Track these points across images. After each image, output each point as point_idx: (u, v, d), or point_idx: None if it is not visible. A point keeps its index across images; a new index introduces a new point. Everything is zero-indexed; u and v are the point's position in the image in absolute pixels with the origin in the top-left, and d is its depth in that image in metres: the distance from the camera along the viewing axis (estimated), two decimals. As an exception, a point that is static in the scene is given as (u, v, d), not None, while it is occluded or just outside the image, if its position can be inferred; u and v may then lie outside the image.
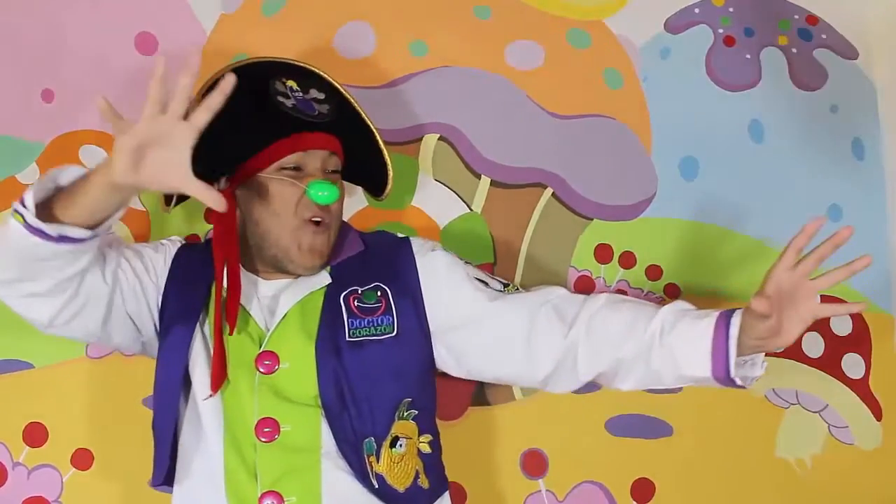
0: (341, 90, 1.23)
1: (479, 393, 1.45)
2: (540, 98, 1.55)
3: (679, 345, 1.09)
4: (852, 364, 1.63)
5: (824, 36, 1.72)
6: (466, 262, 1.25)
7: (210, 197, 0.97)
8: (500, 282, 1.25)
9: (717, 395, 1.56)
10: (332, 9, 1.48)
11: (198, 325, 1.14)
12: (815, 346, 1.62)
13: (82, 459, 1.32)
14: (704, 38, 1.65)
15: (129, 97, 1.40)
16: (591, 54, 1.59)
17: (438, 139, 1.50)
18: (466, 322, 1.19)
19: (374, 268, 1.20)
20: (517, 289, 1.24)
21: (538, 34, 1.57)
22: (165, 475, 1.14)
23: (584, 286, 1.53)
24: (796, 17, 1.71)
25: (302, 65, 1.22)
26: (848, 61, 1.73)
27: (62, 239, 0.99)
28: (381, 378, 1.13)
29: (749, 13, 1.68)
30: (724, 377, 1.07)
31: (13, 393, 1.31)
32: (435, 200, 1.49)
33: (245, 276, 1.18)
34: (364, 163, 1.29)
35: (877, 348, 1.65)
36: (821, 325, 1.62)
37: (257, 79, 1.16)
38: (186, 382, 1.14)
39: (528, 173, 1.53)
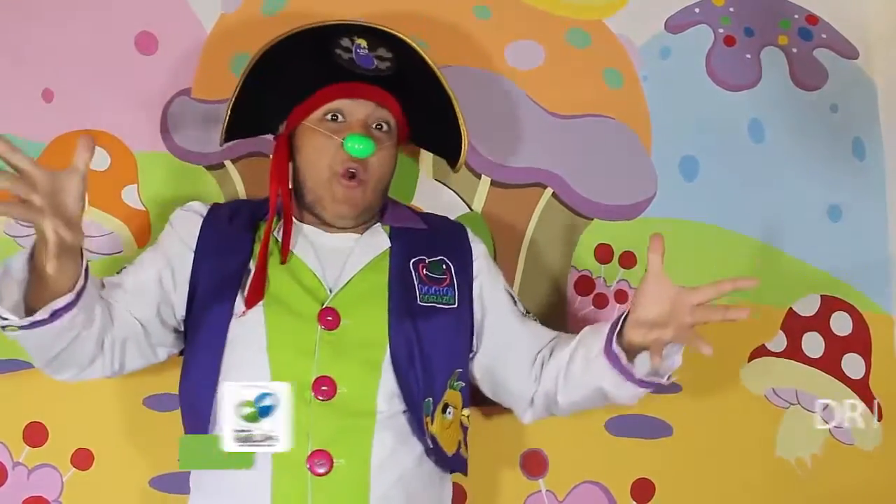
0: (419, 51, 1.25)
1: (480, 392, 1.45)
2: (540, 98, 1.55)
3: (585, 367, 1.17)
4: (852, 364, 1.63)
5: (824, 36, 1.72)
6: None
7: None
8: (522, 305, 1.31)
9: (717, 394, 1.56)
10: (332, 9, 1.48)
11: (239, 292, 1.15)
12: (815, 346, 1.62)
13: (82, 459, 1.32)
14: (704, 38, 1.65)
15: (130, 97, 1.41)
16: (591, 54, 1.59)
17: (438, 140, 1.50)
18: (495, 329, 1.26)
19: (438, 243, 1.25)
20: (534, 318, 1.31)
21: (538, 34, 1.57)
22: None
23: (584, 286, 1.53)
24: (796, 16, 1.71)
25: (382, 28, 1.24)
26: (848, 61, 1.72)
27: (55, 315, 0.99)
28: (444, 344, 1.18)
29: (749, 13, 1.68)
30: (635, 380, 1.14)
31: (13, 393, 1.31)
32: (435, 200, 1.49)
33: (301, 229, 1.21)
34: (440, 131, 1.32)
35: (877, 348, 1.65)
36: (821, 326, 1.62)
37: (328, 35, 1.21)
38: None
39: (528, 173, 1.53)
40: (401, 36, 1.24)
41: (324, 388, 1.10)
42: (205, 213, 1.22)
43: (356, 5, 1.48)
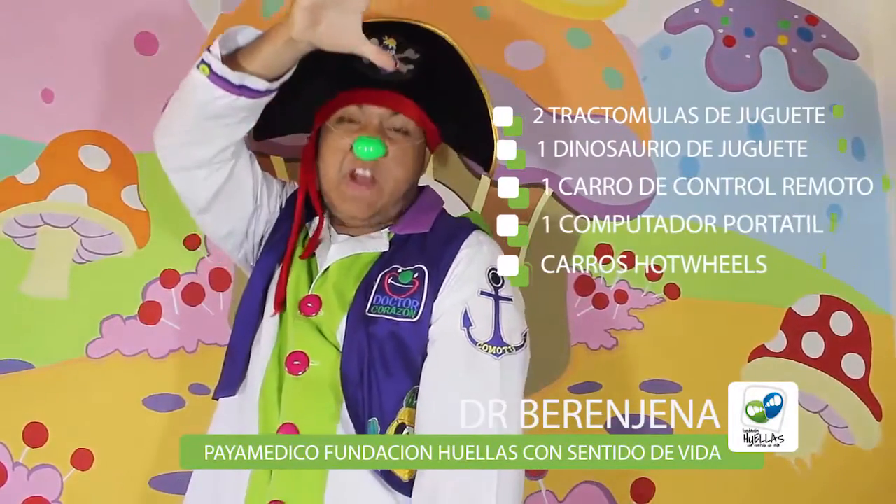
0: (453, 45, 1.23)
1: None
2: (540, 98, 1.55)
3: None
4: (852, 364, 1.63)
5: (824, 36, 1.72)
6: (487, 294, 1.13)
7: (382, 59, 1.05)
8: (498, 333, 1.10)
9: (717, 394, 1.56)
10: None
11: (271, 290, 1.18)
12: (815, 346, 1.62)
13: (82, 459, 1.32)
14: (704, 38, 1.65)
15: (130, 97, 1.41)
16: (591, 54, 1.59)
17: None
18: (429, 351, 1.11)
19: (426, 249, 1.17)
20: (500, 353, 1.09)
21: (538, 34, 1.57)
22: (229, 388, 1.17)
23: (584, 286, 1.53)
24: (796, 17, 1.71)
25: (416, 23, 1.22)
26: (848, 61, 1.73)
27: (242, 89, 1.06)
28: (395, 358, 1.10)
29: (749, 13, 1.68)
30: None
31: (13, 393, 1.31)
32: (435, 200, 1.49)
33: (329, 230, 1.23)
34: (473, 134, 1.29)
35: (877, 348, 1.65)
36: (821, 326, 1.63)
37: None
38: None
39: (528, 173, 1.53)
40: (438, 31, 1.21)
41: (295, 362, 1.11)
42: (289, 193, 1.28)
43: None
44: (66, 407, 1.32)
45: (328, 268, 1.17)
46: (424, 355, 1.11)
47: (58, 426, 1.32)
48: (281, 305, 1.15)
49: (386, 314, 1.11)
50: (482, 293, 1.12)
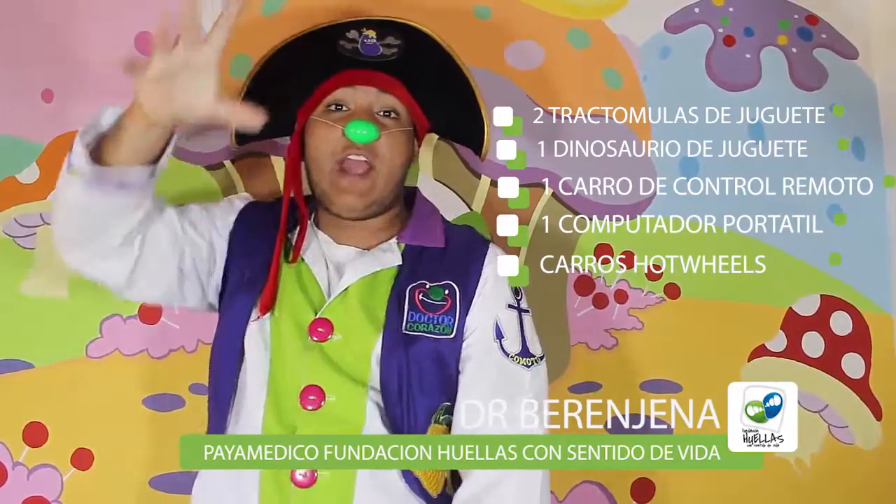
0: (432, 35, 1.23)
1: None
2: (540, 98, 1.55)
3: None
4: (852, 364, 1.63)
5: (824, 36, 1.72)
6: (512, 307, 1.18)
7: (244, 115, 0.95)
8: (524, 345, 1.17)
9: (717, 394, 1.56)
10: (331, 8, 1.48)
11: (258, 296, 1.13)
12: (815, 346, 1.62)
13: (82, 459, 1.32)
14: (704, 38, 1.65)
15: (130, 97, 1.40)
16: (591, 54, 1.59)
17: (438, 139, 1.49)
18: (463, 364, 1.15)
19: (448, 265, 1.17)
20: (530, 363, 1.16)
21: (538, 34, 1.57)
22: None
23: (584, 286, 1.53)
24: (796, 16, 1.71)
25: (394, 19, 1.22)
26: (848, 61, 1.72)
27: (123, 185, 0.99)
28: (429, 376, 1.11)
29: (749, 13, 1.68)
30: None
31: (13, 393, 1.31)
32: (435, 200, 1.48)
33: (315, 235, 1.19)
34: (461, 120, 1.28)
35: (877, 348, 1.65)
36: (821, 326, 1.63)
37: (336, 30, 1.19)
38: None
39: (528, 173, 1.53)
40: (414, 24, 1.22)
41: (311, 397, 1.08)
42: (241, 208, 1.22)
43: (355, 5, 1.47)
44: (66, 407, 1.32)
45: (347, 288, 1.13)
46: (458, 371, 1.13)
47: (58, 426, 1.32)
48: (268, 309, 1.12)
49: (424, 332, 1.11)
50: (509, 306, 1.17)
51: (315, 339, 1.10)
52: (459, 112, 1.29)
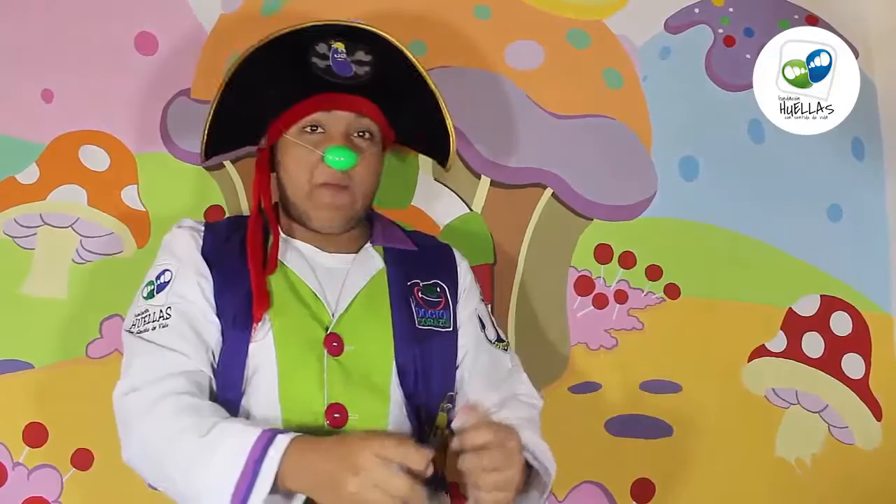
0: (399, 47, 1.23)
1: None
2: (540, 98, 1.55)
3: None
4: (852, 364, 1.63)
5: (824, 36, 1.72)
6: (482, 300, 1.28)
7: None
8: (497, 331, 1.25)
9: (717, 394, 1.57)
10: (331, 9, 1.48)
11: (251, 331, 1.10)
12: (815, 346, 1.62)
13: (82, 459, 1.32)
14: (704, 38, 1.65)
15: (130, 97, 1.41)
16: (591, 54, 1.59)
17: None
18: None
19: (430, 265, 1.23)
20: (506, 347, 1.24)
21: (538, 34, 1.57)
22: None
23: (584, 286, 1.53)
24: (796, 17, 1.71)
25: (357, 25, 1.22)
26: (848, 61, 1.73)
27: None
28: (440, 367, 1.16)
29: (749, 13, 1.68)
30: None
31: (13, 393, 1.31)
32: (435, 200, 1.49)
33: (296, 245, 1.19)
34: (428, 131, 1.30)
35: (877, 348, 1.65)
36: (821, 326, 1.63)
37: (305, 39, 1.18)
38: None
39: (528, 173, 1.53)
40: (378, 31, 1.22)
41: (335, 415, 1.07)
42: (200, 238, 1.17)
43: (354, 5, 1.48)
44: (66, 407, 1.32)
45: (354, 298, 1.14)
46: (457, 362, 1.19)
47: (58, 426, 1.32)
48: (261, 317, 1.10)
49: (433, 326, 1.17)
50: (481, 299, 1.27)
51: (329, 353, 1.10)
52: (426, 124, 1.30)
